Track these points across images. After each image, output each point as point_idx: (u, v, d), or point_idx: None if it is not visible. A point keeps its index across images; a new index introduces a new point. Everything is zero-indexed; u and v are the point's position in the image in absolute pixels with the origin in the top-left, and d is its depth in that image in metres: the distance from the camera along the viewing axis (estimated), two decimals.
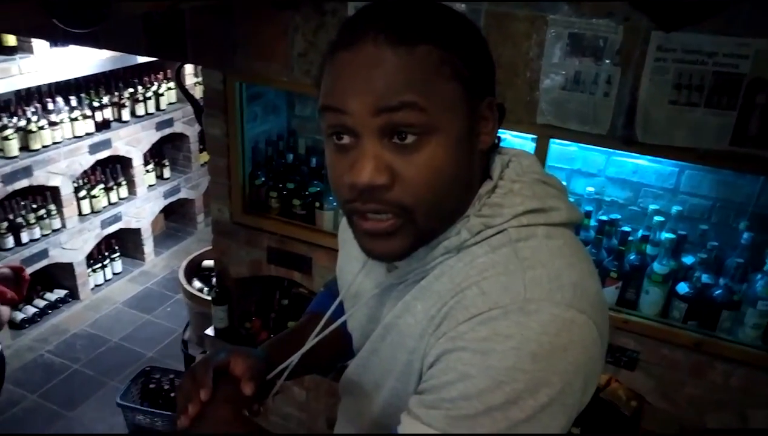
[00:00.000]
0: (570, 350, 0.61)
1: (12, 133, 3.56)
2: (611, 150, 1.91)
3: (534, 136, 1.79)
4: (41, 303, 4.01)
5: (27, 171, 3.63)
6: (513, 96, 1.71)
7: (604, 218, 1.95)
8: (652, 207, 1.96)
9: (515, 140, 2.10)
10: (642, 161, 1.98)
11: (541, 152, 1.77)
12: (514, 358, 0.60)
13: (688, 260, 1.89)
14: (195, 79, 4.70)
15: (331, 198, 2.19)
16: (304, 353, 0.91)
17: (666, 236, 1.84)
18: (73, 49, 3.72)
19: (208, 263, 3.56)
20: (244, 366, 0.84)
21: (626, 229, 1.88)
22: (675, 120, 1.53)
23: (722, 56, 1.43)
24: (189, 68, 4.55)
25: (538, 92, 1.68)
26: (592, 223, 1.99)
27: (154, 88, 4.51)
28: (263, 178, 2.32)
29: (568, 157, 2.09)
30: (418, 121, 0.64)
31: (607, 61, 1.56)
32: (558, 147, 2.00)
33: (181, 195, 5.05)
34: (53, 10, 1.09)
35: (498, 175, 0.73)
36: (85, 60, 3.85)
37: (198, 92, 4.42)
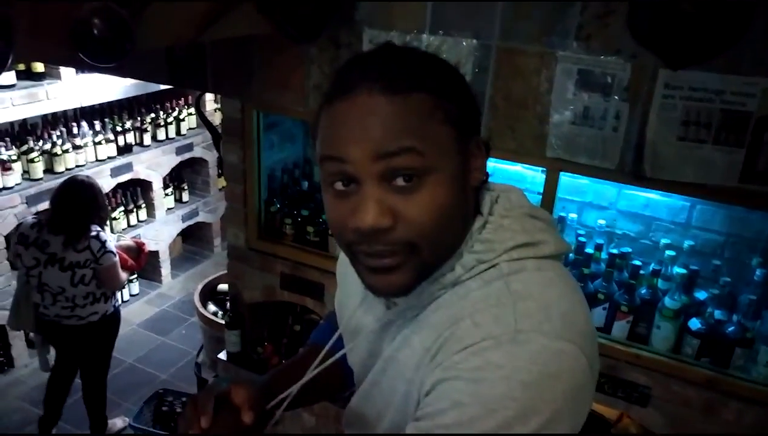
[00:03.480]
0: (559, 379, 0.63)
1: (37, 156, 3.67)
2: (622, 184, 1.91)
3: (544, 169, 1.81)
4: None
5: (51, 193, 3.72)
6: (523, 129, 1.73)
7: (615, 251, 1.95)
8: (663, 241, 1.95)
9: (527, 172, 2.12)
10: (653, 195, 1.98)
11: (551, 185, 1.79)
12: (505, 386, 0.62)
13: (700, 295, 1.87)
14: (215, 106, 4.81)
15: None
16: (304, 384, 0.93)
17: (678, 270, 1.83)
18: (98, 75, 3.84)
19: (224, 287, 3.61)
20: (245, 396, 0.85)
21: (637, 262, 1.88)
22: (683, 156, 1.54)
23: (729, 94, 1.45)
24: (209, 96, 4.66)
25: (548, 126, 1.70)
26: (603, 256, 1.99)
27: (175, 113, 4.62)
28: (278, 205, 2.36)
29: (580, 190, 2.10)
30: (416, 164, 0.67)
31: (616, 97, 1.58)
32: (569, 180, 2.02)
33: (199, 219, 5.12)
34: (81, 44, 1.15)
35: (488, 211, 0.76)
36: (110, 86, 3.97)
37: (218, 119, 4.52)
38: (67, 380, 3.25)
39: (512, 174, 2.14)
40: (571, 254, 2.01)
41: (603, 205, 2.09)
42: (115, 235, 3.42)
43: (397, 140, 0.66)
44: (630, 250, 1.98)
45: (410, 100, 0.67)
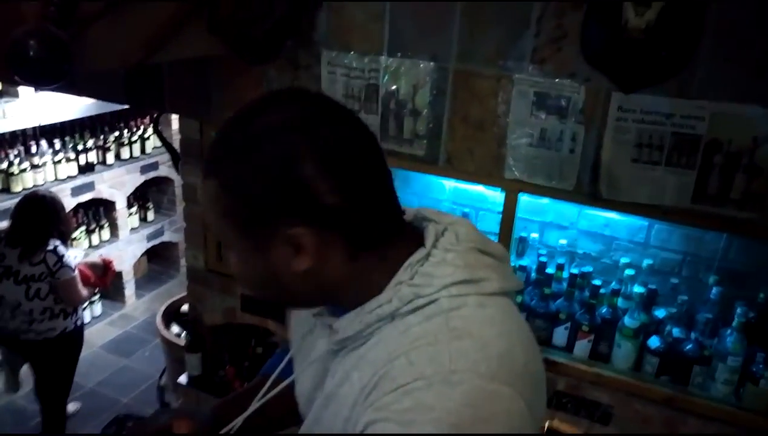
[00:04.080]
0: (492, 422, 0.61)
1: None
2: (581, 204, 1.93)
3: (503, 190, 1.81)
4: None
5: (6, 214, 3.61)
6: (481, 151, 1.74)
7: (575, 271, 1.95)
8: (623, 260, 1.97)
9: (488, 192, 2.12)
10: (613, 215, 2.00)
11: (510, 205, 1.79)
12: (434, 429, 0.60)
13: (659, 313, 1.89)
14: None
15: None
16: (251, 415, 0.90)
17: (637, 289, 1.85)
18: (57, 94, 3.76)
19: (187, 307, 3.53)
20: (188, 428, 0.83)
21: (597, 282, 1.89)
22: (637, 178, 1.56)
23: (680, 118, 1.47)
24: (174, 115, 4.59)
25: (506, 148, 1.71)
26: (565, 275, 1.99)
27: (140, 132, 4.54)
28: None
29: (541, 210, 2.11)
30: (218, 238, 0.72)
31: (572, 120, 1.60)
32: (530, 200, 2.03)
33: (165, 238, 5.03)
34: (17, 65, 1.11)
35: (431, 244, 0.74)
36: (71, 104, 3.88)
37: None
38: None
39: (473, 194, 2.14)
40: (532, 274, 2.02)
41: (564, 225, 2.10)
42: (81, 251, 3.34)
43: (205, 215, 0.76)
44: (591, 269, 1.99)
45: (206, 184, 0.72)
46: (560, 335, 1.92)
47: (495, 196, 2.10)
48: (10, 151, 3.69)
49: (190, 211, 2.30)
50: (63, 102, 3.82)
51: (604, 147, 1.58)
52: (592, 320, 1.88)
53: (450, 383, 0.62)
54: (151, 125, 4.54)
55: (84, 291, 2.97)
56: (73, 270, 2.87)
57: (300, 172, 0.66)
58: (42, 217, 2.83)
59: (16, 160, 3.68)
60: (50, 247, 2.82)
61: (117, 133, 4.38)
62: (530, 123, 1.65)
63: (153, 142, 4.67)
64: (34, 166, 3.77)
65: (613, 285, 1.92)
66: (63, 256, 2.83)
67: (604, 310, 1.90)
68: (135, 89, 2.12)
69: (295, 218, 0.68)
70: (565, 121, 1.61)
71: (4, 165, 3.64)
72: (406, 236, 0.76)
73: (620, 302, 1.89)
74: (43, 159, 3.84)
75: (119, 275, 4.62)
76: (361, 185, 0.70)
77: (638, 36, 1.33)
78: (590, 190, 1.65)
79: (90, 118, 4.18)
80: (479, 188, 2.10)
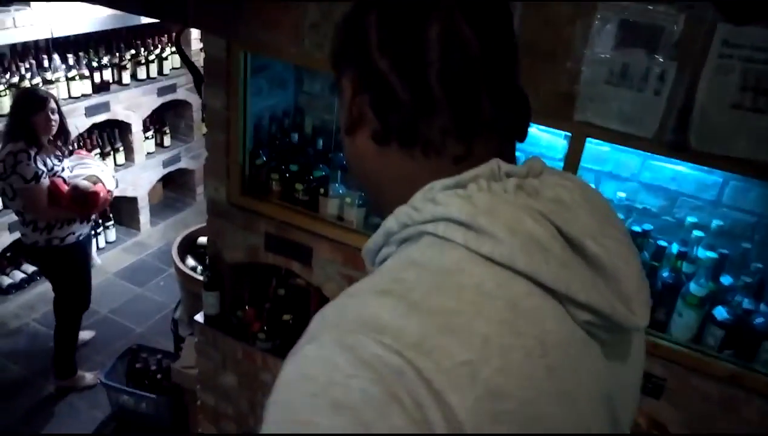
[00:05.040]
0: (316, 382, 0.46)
1: (4, 90, 3.37)
2: (657, 155, 1.71)
3: (567, 134, 1.60)
4: (29, 269, 3.85)
5: None
6: (549, 88, 1.51)
7: (636, 228, 1.76)
8: (689, 220, 1.77)
9: (543, 135, 1.91)
10: (681, 168, 1.78)
11: (575, 154, 1.58)
12: (272, 400, 0.48)
13: (727, 281, 1.71)
14: (200, 45, 4.48)
15: (336, 185, 2.01)
16: None
17: (706, 254, 1.66)
18: (72, 4, 3.51)
19: (204, 239, 3.39)
20: None
21: (662, 242, 1.70)
22: (737, 127, 1.34)
23: None
24: (195, 32, 4.32)
25: (578, 85, 1.48)
26: None
27: (158, 51, 4.30)
28: (265, 158, 2.13)
29: (599, 158, 1.90)
30: None
31: (662, 55, 1.36)
32: (590, 146, 1.81)
33: (181, 165, 4.86)
34: None
35: (472, 176, 0.58)
36: (86, 16, 3.64)
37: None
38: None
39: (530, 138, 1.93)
40: None
41: (624, 176, 1.90)
42: (84, 167, 3.08)
43: None
44: (651, 227, 1.80)
45: None
46: None
47: (552, 140, 1.89)
48: (20, 64, 3.48)
49: (213, 138, 2.11)
50: (77, 13, 3.57)
51: (699, 88, 1.35)
52: (652, 284, 1.70)
53: (317, 341, 0.49)
54: (171, 43, 4.29)
55: (46, 208, 2.80)
56: (31, 181, 2.72)
57: (364, 20, 0.61)
58: (14, 112, 2.78)
59: (28, 75, 3.48)
60: (10, 149, 2.71)
61: (133, 51, 4.14)
62: (611, 57, 1.42)
63: (171, 62, 4.43)
64: (46, 82, 3.57)
65: (677, 247, 1.73)
66: (19, 162, 2.70)
67: (666, 273, 1.71)
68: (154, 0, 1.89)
69: (351, 65, 0.64)
70: (654, 56, 1.37)
71: (15, 79, 3.44)
72: (479, 157, 0.60)
73: (685, 266, 1.71)
74: (56, 74, 3.63)
75: (133, 201, 4.50)
76: (416, 60, 0.58)
77: None
78: (674, 140, 1.43)
79: (106, 32, 3.93)
80: (533, 130, 1.89)
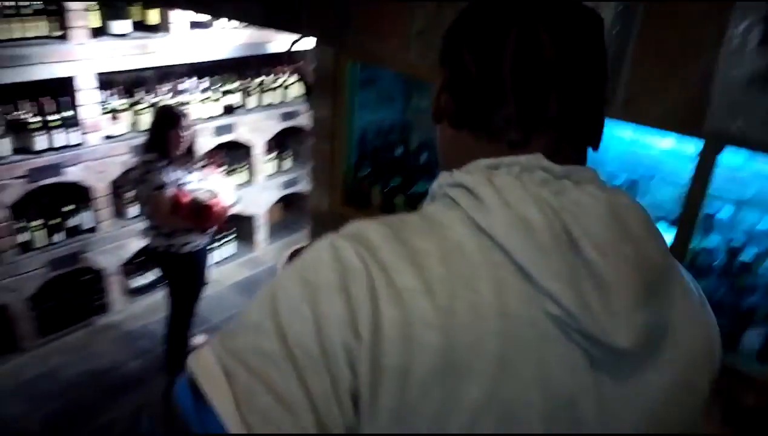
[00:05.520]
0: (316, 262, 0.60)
1: (145, 109, 3.69)
2: None
3: (702, 143, 1.39)
4: (157, 274, 4.11)
5: None
6: (676, 92, 1.35)
7: None
8: None
9: (667, 157, 1.71)
10: None
11: (706, 167, 1.38)
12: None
13: None
14: None
15: None
16: None
17: None
18: (208, 32, 3.80)
19: None
20: None
21: None
22: None
23: None
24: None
25: (712, 88, 1.30)
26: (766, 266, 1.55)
27: (282, 79, 4.52)
28: (368, 170, 2.12)
29: (737, 182, 1.66)
30: None
31: None
32: (726, 172, 1.60)
33: (300, 187, 5.03)
34: None
35: (509, 161, 0.64)
36: (219, 45, 3.92)
37: None
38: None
39: (647, 157, 1.74)
40: (718, 261, 1.60)
41: None
42: (211, 183, 3.26)
43: None
44: None
45: None
46: (752, 339, 1.50)
47: (676, 162, 1.69)
48: (160, 86, 3.80)
49: (319, 148, 2.13)
50: (211, 42, 3.86)
51: None
52: None
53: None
54: (287, 53, 4.47)
55: (168, 215, 2.97)
56: (157, 189, 2.90)
57: (461, 25, 0.69)
58: (152, 127, 3.01)
59: (167, 97, 3.79)
60: (144, 158, 2.95)
61: (261, 78, 4.39)
62: (754, 56, 1.23)
63: (294, 90, 4.63)
64: (182, 105, 3.86)
65: None
66: (149, 171, 2.90)
67: None
68: (273, 10, 1.96)
69: (446, 64, 0.71)
70: None
71: (156, 99, 3.76)
72: (534, 148, 0.65)
73: None
74: (191, 97, 3.93)
75: (251, 219, 4.71)
76: (493, 56, 0.65)
77: None
78: None
79: (236, 60, 4.20)
80: (655, 152, 1.71)
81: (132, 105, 3.68)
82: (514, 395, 0.57)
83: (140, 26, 3.63)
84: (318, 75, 2.06)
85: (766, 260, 1.54)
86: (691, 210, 1.41)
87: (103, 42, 3.38)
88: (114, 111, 3.58)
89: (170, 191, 2.95)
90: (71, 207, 3.51)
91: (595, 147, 0.70)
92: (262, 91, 4.41)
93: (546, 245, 0.57)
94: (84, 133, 3.43)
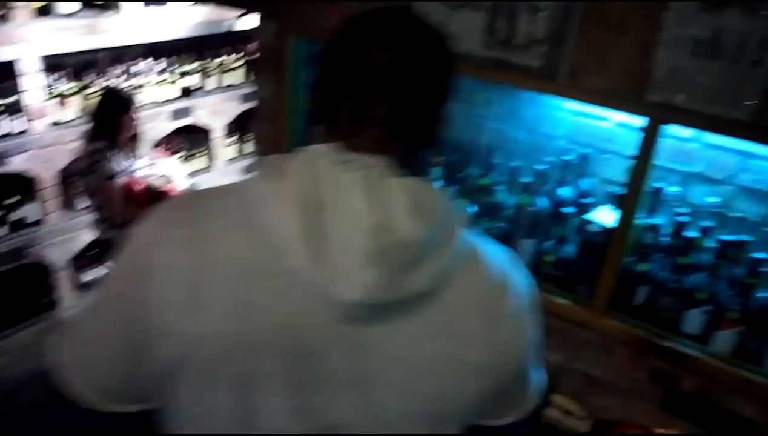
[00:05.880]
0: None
1: (95, 93, 3.54)
2: (749, 151, 1.44)
3: (646, 119, 1.35)
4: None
5: None
6: (619, 62, 1.30)
7: (728, 238, 1.48)
8: None
9: (618, 129, 1.67)
10: None
11: (649, 141, 1.34)
12: None
13: None
14: None
15: None
16: None
17: None
18: (164, 11, 3.66)
19: None
20: None
21: (759, 255, 1.41)
22: None
23: None
24: None
25: (655, 59, 1.26)
26: (710, 244, 1.52)
27: (245, 58, 4.39)
28: None
29: (687, 156, 1.63)
30: None
31: (765, 14, 1.12)
32: (674, 142, 1.56)
33: None
34: None
35: (320, 147, 0.75)
36: (175, 24, 3.78)
37: None
38: None
39: (598, 131, 1.70)
40: (665, 238, 1.57)
41: (716, 178, 1.62)
42: (148, 164, 3.12)
43: None
44: (750, 238, 1.50)
45: None
46: (694, 321, 1.47)
47: (628, 135, 1.65)
48: (113, 68, 3.66)
49: (264, 131, 2.04)
50: (167, 22, 3.72)
51: None
52: (745, 306, 1.42)
53: None
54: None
55: (121, 206, 2.82)
56: (108, 179, 2.77)
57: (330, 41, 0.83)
58: (99, 112, 2.88)
59: (120, 79, 3.65)
60: (93, 147, 2.80)
61: (221, 60, 4.25)
62: (698, 22, 1.19)
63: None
64: (136, 88, 3.72)
65: None
66: (98, 160, 2.77)
67: (764, 294, 1.42)
68: None
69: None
70: (755, 18, 1.13)
71: (107, 82, 3.61)
72: (360, 139, 0.76)
73: None
74: (146, 79, 3.79)
75: None
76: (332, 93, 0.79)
77: None
78: None
79: (192, 40, 4.06)
80: (607, 124, 1.66)
81: (81, 89, 3.52)
82: (252, 331, 0.68)
83: (89, 4, 3.47)
84: (261, 52, 1.97)
85: (709, 238, 1.51)
86: (635, 186, 1.37)
87: (49, 22, 3.22)
88: (61, 96, 3.42)
89: (122, 180, 2.83)
90: (15, 199, 3.35)
91: (430, 147, 0.80)
92: (223, 72, 4.28)
93: (293, 208, 0.67)
94: (29, 120, 3.27)
